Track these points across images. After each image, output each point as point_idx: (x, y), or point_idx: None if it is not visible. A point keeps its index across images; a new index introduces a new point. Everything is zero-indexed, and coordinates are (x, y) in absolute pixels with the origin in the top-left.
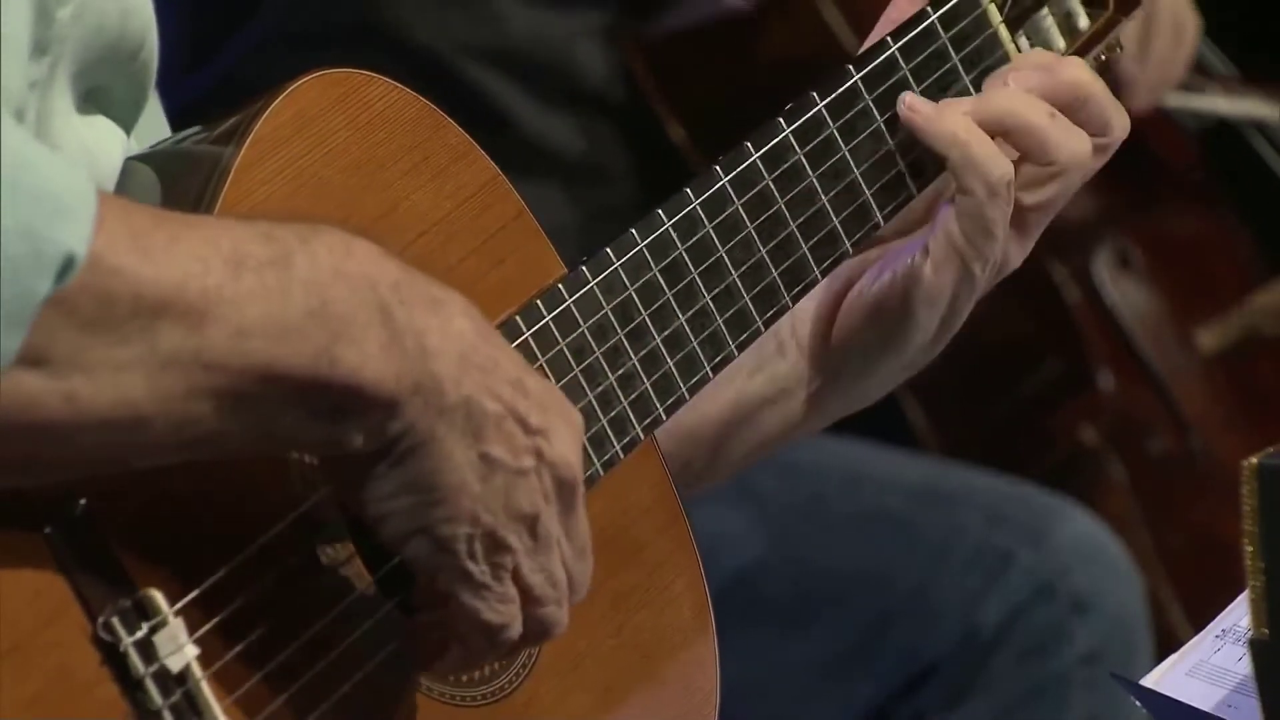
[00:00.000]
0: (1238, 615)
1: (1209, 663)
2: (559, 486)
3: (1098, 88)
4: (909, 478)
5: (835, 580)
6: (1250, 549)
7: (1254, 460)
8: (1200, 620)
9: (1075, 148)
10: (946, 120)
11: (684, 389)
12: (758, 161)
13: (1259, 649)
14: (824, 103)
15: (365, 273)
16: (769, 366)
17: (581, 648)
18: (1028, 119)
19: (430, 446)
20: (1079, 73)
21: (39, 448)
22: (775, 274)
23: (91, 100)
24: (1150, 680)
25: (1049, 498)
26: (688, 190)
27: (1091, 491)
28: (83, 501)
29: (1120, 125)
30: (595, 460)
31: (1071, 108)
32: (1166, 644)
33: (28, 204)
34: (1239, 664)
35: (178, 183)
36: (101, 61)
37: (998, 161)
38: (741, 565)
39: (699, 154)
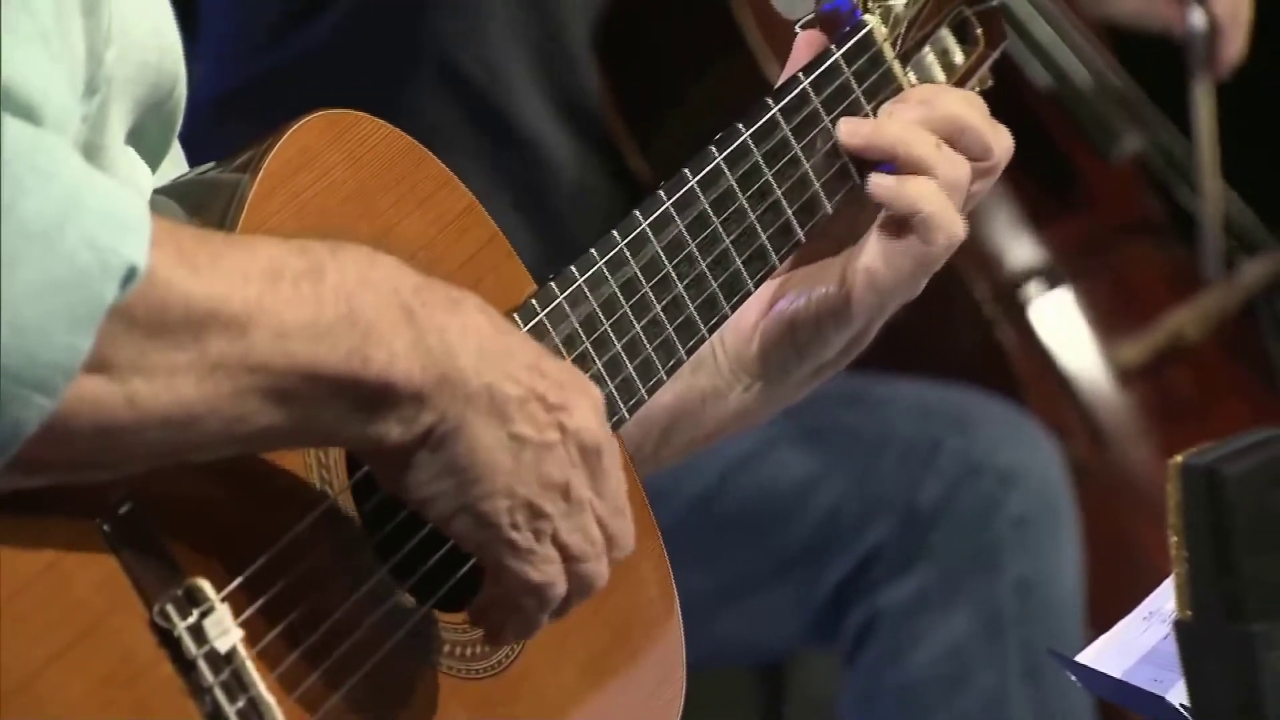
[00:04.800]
0: (1163, 599)
1: (1138, 641)
2: (584, 453)
3: (974, 117)
4: (834, 390)
5: (780, 493)
6: (1175, 539)
7: (1179, 459)
8: (1103, 618)
9: (956, 174)
10: (909, 186)
11: (643, 390)
12: (695, 186)
13: (1182, 629)
14: (749, 132)
15: (389, 279)
16: (706, 368)
17: (566, 626)
18: (914, 150)
19: (462, 432)
20: (955, 105)
21: (104, 446)
22: (715, 285)
23: (129, 139)
24: (1085, 657)
25: (968, 392)
26: (636, 213)
27: None
28: (132, 501)
29: (1001, 147)
30: None
31: (951, 137)
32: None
33: (93, 220)
34: (1165, 642)
35: (198, 212)
36: (141, 100)
37: (956, 219)
38: (698, 490)
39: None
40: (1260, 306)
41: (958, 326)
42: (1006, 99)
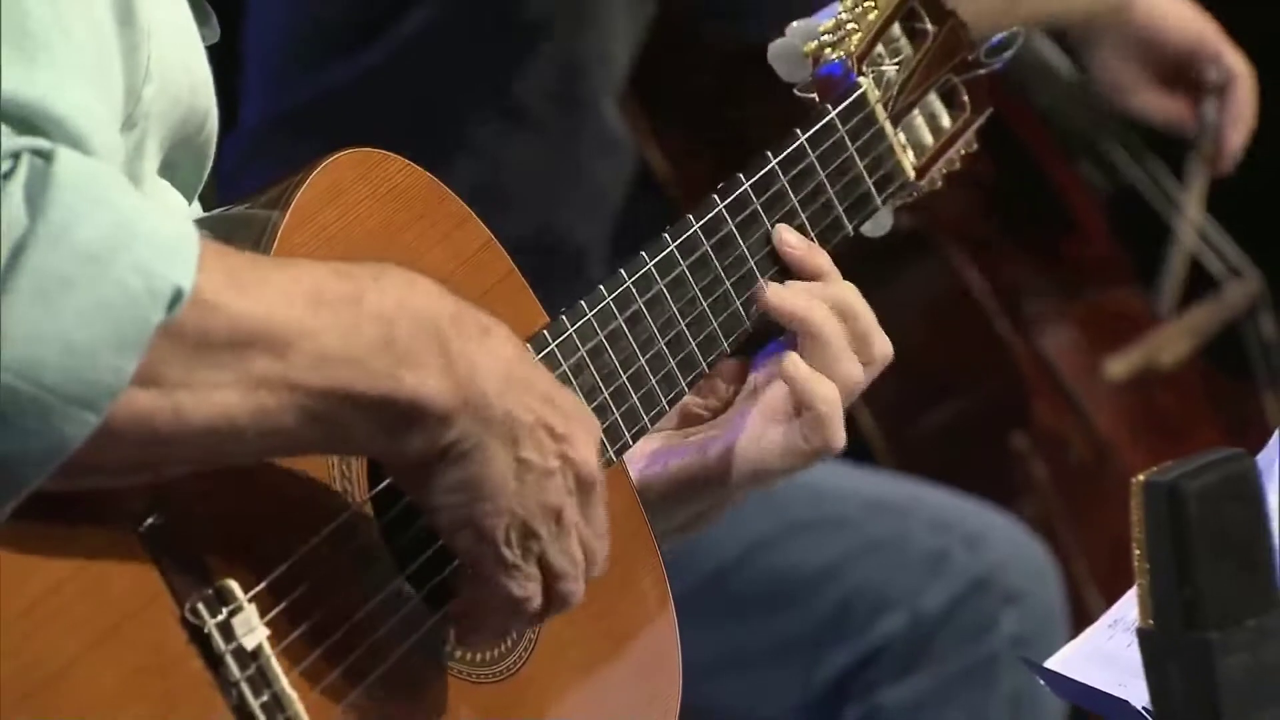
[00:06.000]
0: (1127, 608)
1: (1104, 648)
2: (580, 483)
3: (869, 313)
4: (864, 490)
5: (798, 577)
6: (1138, 553)
7: (1140, 478)
8: (1115, 599)
9: (850, 371)
10: (816, 383)
11: (646, 419)
12: (699, 231)
13: (1145, 637)
14: (749, 182)
15: (427, 305)
16: None
17: (570, 635)
18: (824, 327)
19: (478, 452)
20: (850, 294)
21: (147, 453)
22: (715, 324)
23: (163, 172)
24: (1053, 663)
25: (984, 508)
26: (643, 253)
27: (1020, 491)
28: (167, 505)
29: (881, 353)
30: None
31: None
32: (1083, 621)
33: (143, 246)
34: (1129, 649)
35: (232, 243)
36: (174, 134)
37: (840, 433)
38: (715, 567)
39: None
40: (1245, 326)
41: (968, 341)
42: (1006, 132)
